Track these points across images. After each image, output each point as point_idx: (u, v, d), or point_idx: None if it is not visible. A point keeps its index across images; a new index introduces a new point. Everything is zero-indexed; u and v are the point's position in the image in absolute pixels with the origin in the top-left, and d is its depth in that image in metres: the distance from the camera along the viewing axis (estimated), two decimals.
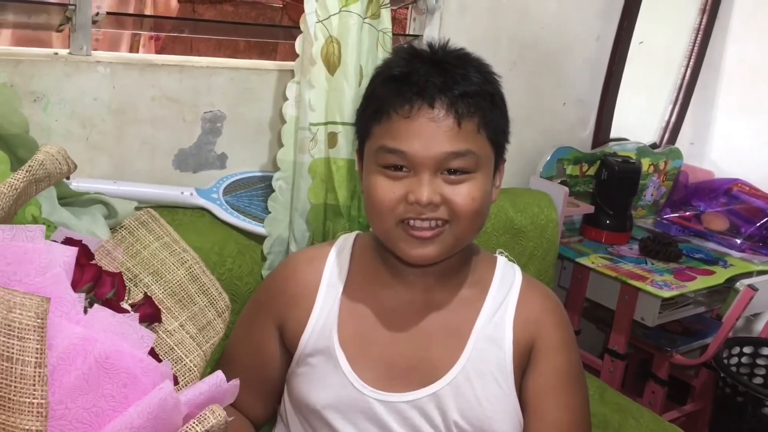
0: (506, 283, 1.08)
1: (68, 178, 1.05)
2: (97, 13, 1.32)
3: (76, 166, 0.98)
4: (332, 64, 1.32)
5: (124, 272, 1.00)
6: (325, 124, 1.34)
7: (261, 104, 1.51)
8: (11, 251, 0.81)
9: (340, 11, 1.31)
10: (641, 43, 2.21)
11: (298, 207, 1.36)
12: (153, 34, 2.11)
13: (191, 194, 1.40)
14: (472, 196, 0.96)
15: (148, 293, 1.02)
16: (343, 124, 1.33)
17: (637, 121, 2.40)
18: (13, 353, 0.73)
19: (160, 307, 1.01)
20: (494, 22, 1.84)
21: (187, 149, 1.45)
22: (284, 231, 1.38)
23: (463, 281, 1.07)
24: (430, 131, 0.94)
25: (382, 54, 1.39)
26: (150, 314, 0.97)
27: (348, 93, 1.32)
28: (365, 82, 1.36)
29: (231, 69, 1.47)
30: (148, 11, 2.17)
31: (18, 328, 0.73)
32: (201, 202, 1.40)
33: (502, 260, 1.12)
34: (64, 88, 1.29)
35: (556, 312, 1.08)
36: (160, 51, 2.25)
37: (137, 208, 1.28)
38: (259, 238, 1.40)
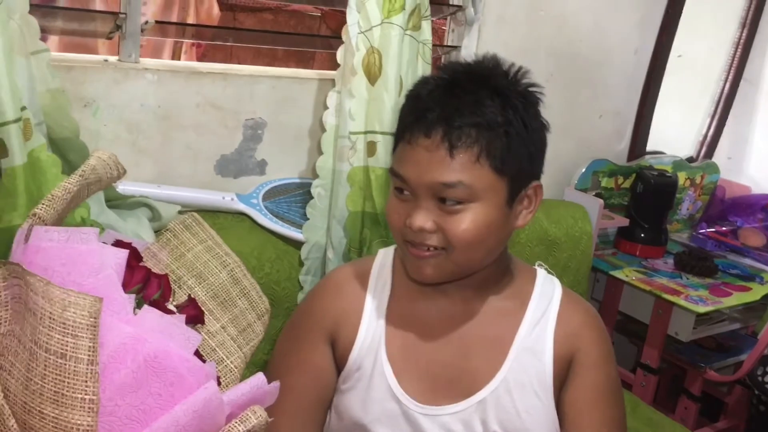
0: (546, 295, 1.08)
1: None
2: (146, 22, 1.36)
3: (125, 171, 1.01)
4: (373, 75, 1.34)
5: (168, 274, 1.03)
6: (365, 133, 1.36)
7: (301, 112, 1.53)
8: (66, 253, 0.84)
9: (381, 23, 1.33)
10: (680, 56, 2.20)
11: (336, 214, 1.39)
12: (195, 42, 2.16)
13: (232, 199, 1.43)
14: (464, 227, 0.94)
15: (192, 295, 1.05)
16: (382, 133, 1.35)
17: (674, 134, 2.38)
18: (67, 350, 0.76)
19: (202, 309, 1.03)
20: (532, 33, 1.85)
21: (228, 155, 1.48)
22: (322, 237, 1.40)
23: (503, 293, 1.07)
24: (425, 159, 0.94)
25: (422, 65, 1.41)
26: (194, 316, 0.99)
27: (388, 103, 1.34)
28: (405, 93, 1.39)
29: (272, 77, 1.50)
30: (191, 20, 2.22)
31: (72, 326, 0.76)
32: (241, 207, 1.43)
33: (541, 272, 1.12)
34: (113, 94, 1.33)
35: (596, 326, 1.09)
36: (201, 58, 2.29)
37: (180, 212, 1.32)
38: (297, 244, 1.43)
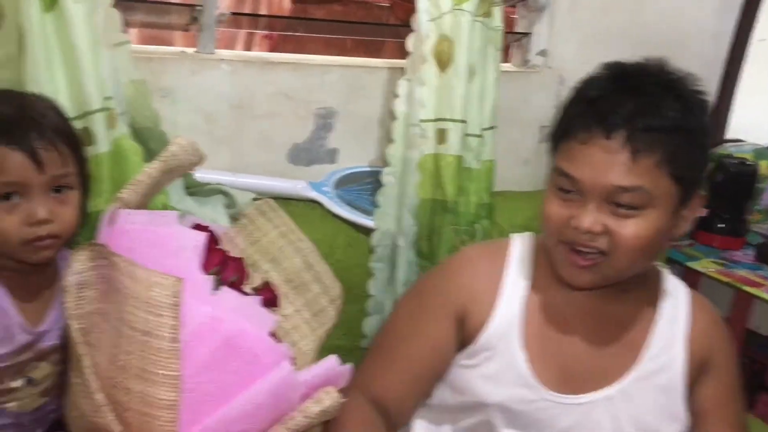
0: (674, 294, 1.09)
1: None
2: (222, 13, 1.40)
3: (204, 157, 1.05)
4: (443, 62, 1.34)
5: (244, 258, 1.06)
6: (435, 120, 1.37)
7: (371, 101, 1.54)
8: (148, 235, 0.88)
9: (452, 10, 1.33)
10: (762, 40, 2.11)
11: (406, 202, 1.39)
12: (267, 32, 2.20)
13: (304, 187, 1.45)
14: (637, 234, 0.93)
15: (267, 279, 1.08)
16: (452, 120, 1.35)
17: (755, 121, 2.29)
18: (150, 328, 0.79)
19: (278, 292, 1.06)
20: (605, 19, 1.80)
21: (300, 144, 1.51)
22: (392, 225, 1.41)
23: (639, 293, 1.07)
24: (603, 161, 0.92)
25: (492, 52, 1.40)
26: (269, 299, 1.02)
27: (458, 90, 1.34)
28: (475, 80, 1.39)
29: (343, 67, 1.51)
30: (264, 12, 2.26)
31: (155, 305, 0.79)
32: (313, 194, 1.45)
33: (666, 272, 1.12)
34: (190, 85, 1.37)
35: (724, 327, 1.11)
36: (272, 50, 2.33)
37: (254, 200, 1.35)
38: (368, 231, 1.44)
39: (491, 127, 1.45)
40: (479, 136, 1.41)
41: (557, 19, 1.70)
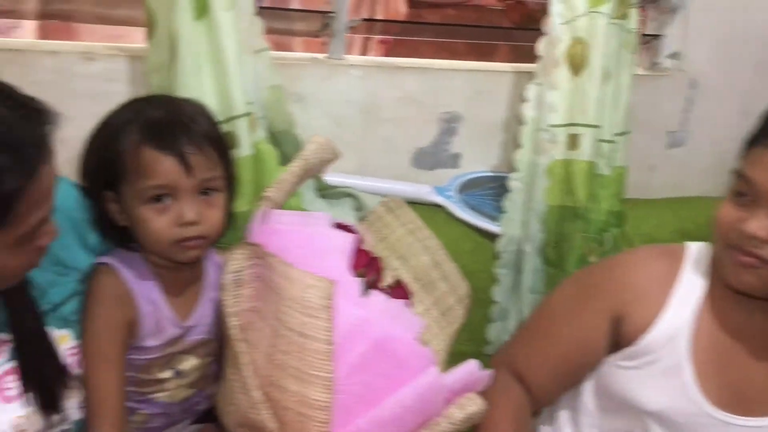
0: None
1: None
2: (353, 20, 1.42)
3: (340, 154, 1.06)
4: (577, 66, 1.32)
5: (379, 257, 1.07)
6: (566, 125, 1.34)
7: (495, 106, 1.53)
8: (299, 235, 0.90)
9: (587, 12, 1.30)
10: None
11: (534, 207, 1.37)
12: (384, 37, 2.22)
13: (429, 191, 1.46)
14: None
15: (398, 277, 1.09)
16: (585, 126, 1.32)
17: None
18: (305, 329, 0.81)
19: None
20: (743, 19, 1.72)
21: (424, 148, 1.52)
22: (518, 231, 1.40)
23: None
24: None
25: (627, 55, 1.36)
26: (403, 297, 1.02)
27: (592, 94, 1.31)
28: (609, 84, 1.35)
29: (468, 71, 1.51)
30: (380, 17, 2.29)
31: (310, 307, 0.81)
32: (438, 199, 1.45)
33: None
34: (322, 90, 1.40)
35: None
36: (387, 53, 2.35)
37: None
38: (492, 237, 1.43)
39: (624, 132, 1.41)
40: (612, 141, 1.38)
41: (691, 20, 1.64)
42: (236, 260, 0.86)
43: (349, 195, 1.37)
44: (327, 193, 1.35)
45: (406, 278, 1.12)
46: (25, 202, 0.74)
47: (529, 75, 1.44)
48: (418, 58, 1.53)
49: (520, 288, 1.38)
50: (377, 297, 0.87)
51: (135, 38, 1.82)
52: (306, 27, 1.47)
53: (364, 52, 2.37)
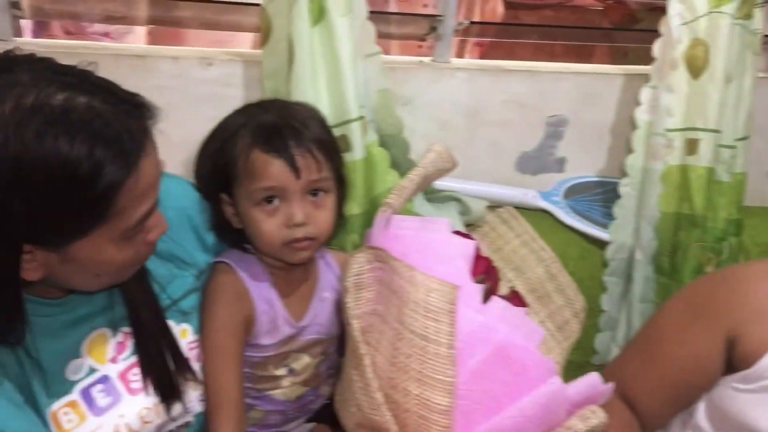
0: None
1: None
2: (460, 23, 1.41)
3: (457, 164, 1.06)
4: (696, 68, 1.27)
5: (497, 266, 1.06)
6: (684, 130, 1.29)
7: (604, 109, 1.49)
8: (420, 241, 0.90)
9: (709, 12, 1.25)
10: None
11: (646, 215, 1.33)
12: (480, 40, 2.21)
13: (534, 196, 1.44)
14: None
15: (513, 287, 1.07)
16: (705, 130, 1.27)
17: None
18: (428, 333, 0.81)
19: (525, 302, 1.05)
20: None
21: (529, 152, 1.49)
22: (629, 238, 1.36)
23: None
24: None
25: (750, 56, 1.31)
26: (520, 306, 1.01)
27: (713, 97, 1.26)
28: (731, 87, 1.29)
29: (577, 74, 1.48)
30: (477, 19, 2.27)
31: (434, 311, 0.81)
32: (543, 204, 1.43)
33: None
34: (428, 93, 1.40)
35: None
36: (482, 56, 2.34)
37: (488, 207, 1.36)
38: (601, 244, 1.39)
39: (744, 137, 1.35)
40: (732, 146, 1.32)
41: None
42: (357, 263, 0.86)
43: (455, 199, 1.36)
44: (433, 197, 1.35)
45: (521, 290, 1.10)
46: (128, 196, 0.75)
47: (641, 77, 1.40)
48: (524, 61, 1.51)
49: (630, 297, 1.35)
50: (498, 303, 0.86)
51: (239, 43, 1.88)
52: (411, 31, 1.47)
53: (460, 55, 2.36)
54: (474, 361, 0.82)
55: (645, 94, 1.35)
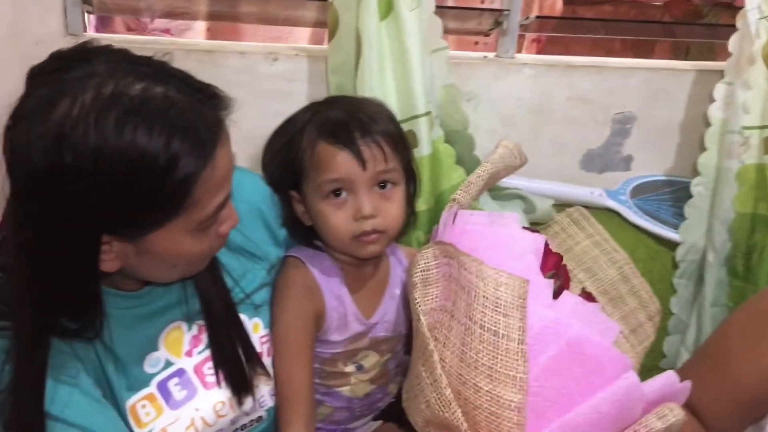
0: None
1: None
2: (527, 17, 1.39)
3: (526, 160, 1.04)
4: None
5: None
6: (761, 127, 1.25)
7: (673, 106, 1.45)
8: (489, 236, 0.88)
9: None
10: None
11: (720, 215, 1.29)
12: (538, 35, 2.17)
13: (600, 195, 1.41)
14: None
15: (585, 289, 1.05)
16: None
17: None
18: (498, 328, 0.79)
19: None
20: None
21: (594, 149, 1.46)
22: (701, 239, 1.32)
23: None
24: None
25: None
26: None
27: None
28: None
29: (646, 70, 1.44)
30: (535, 14, 2.24)
31: (504, 306, 0.79)
32: (610, 203, 1.40)
33: None
34: (492, 89, 1.39)
35: None
36: (539, 51, 2.30)
37: (554, 206, 1.33)
38: (670, 244, 1.36)
39: None
40: None
41: None
42: (424, 259, 0.85)
43: (520, 197, 1.34)
44: (497, 194, 1.33)
45: (592, 291, 1.07)
46: (203, 186, 0.75)
47: (714, 73, 1.36)
48: (594, 57, 1.48)
49: (701, 300, 1.31)
50: (570, 299, 0.84)
51: (296, 39, 1.89)
52: (473, 26, 1.45)
53: (518, 50, 2.33)
54: (545, 357, 0.80)
55: (719, 90, 1.31)
